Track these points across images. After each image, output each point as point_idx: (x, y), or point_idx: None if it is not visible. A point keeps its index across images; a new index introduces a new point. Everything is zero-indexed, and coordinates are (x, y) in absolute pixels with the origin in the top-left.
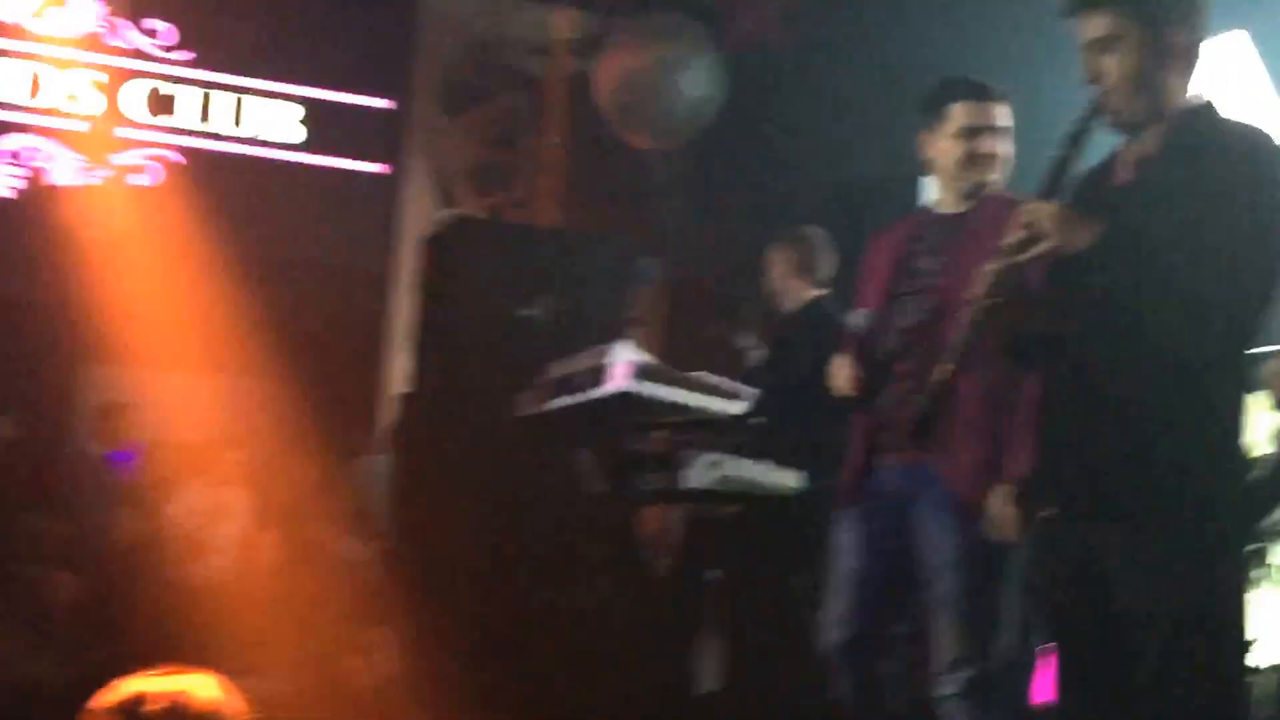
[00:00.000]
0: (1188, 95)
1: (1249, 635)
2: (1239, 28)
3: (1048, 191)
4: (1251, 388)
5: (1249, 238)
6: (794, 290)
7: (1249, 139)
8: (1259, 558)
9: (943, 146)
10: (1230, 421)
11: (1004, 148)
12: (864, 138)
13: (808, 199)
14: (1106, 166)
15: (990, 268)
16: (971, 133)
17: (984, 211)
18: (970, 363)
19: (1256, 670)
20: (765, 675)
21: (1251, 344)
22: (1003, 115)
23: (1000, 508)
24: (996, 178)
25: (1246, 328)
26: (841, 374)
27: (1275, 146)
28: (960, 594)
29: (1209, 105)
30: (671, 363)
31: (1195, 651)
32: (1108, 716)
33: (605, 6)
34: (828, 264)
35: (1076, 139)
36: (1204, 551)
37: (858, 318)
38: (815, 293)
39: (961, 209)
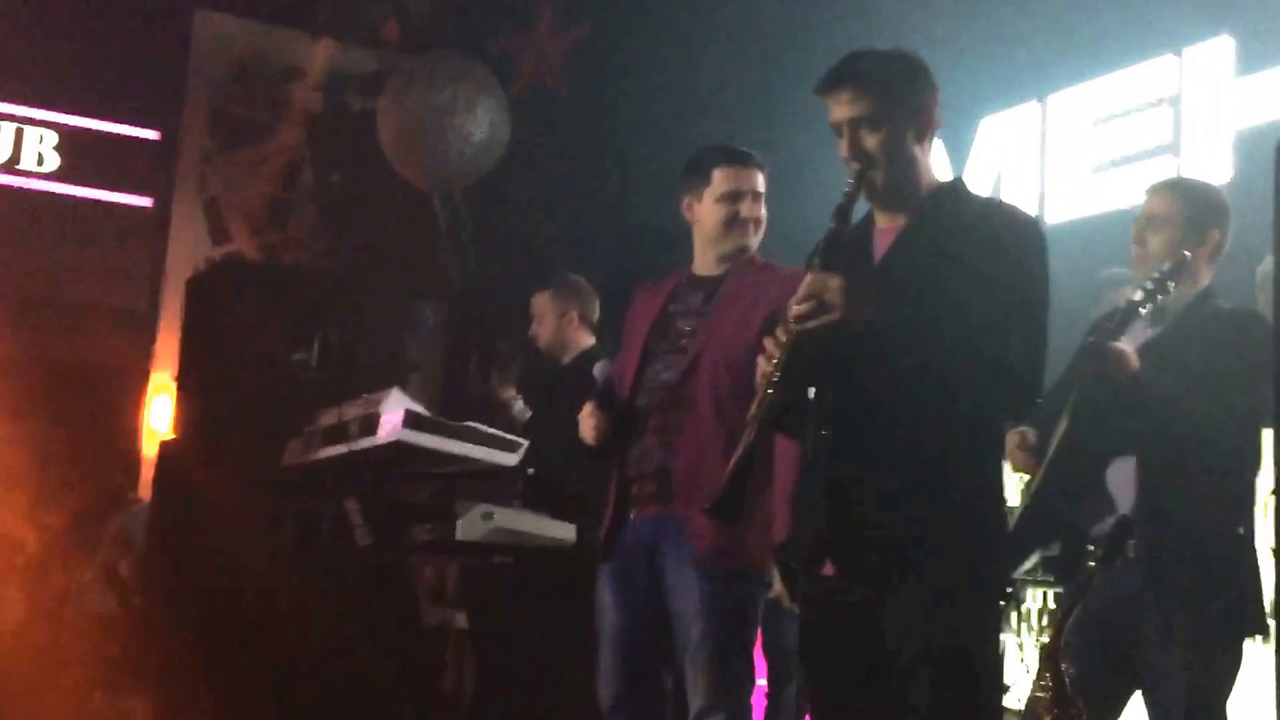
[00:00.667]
0: (934, 175)
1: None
2: (1225, 32)
3: (825, 263)
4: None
5: (992, 309)
6: (572, 340)
7: (996, 214)
8: (1014, 602)
9: (705, 209)
10: (991, 480)
11: (762, 212)
12: (647, 183)
13: (586, 244)
14: (862, 236)
15: (779, 337)
16: (733, 197)
17: (736, 275)
18: (710, 421)
19: (1007, 711)
20: None
21: (1011, 407)
22: (761, 181)
23: (770, 573)
24: (755, 241)
25: (1018, 400)
26: (587, 423)
27: (1029, 223)
28: (703, 642)
29: (958, 181)
30: (448, 411)
31: (960, 695)
32: None
33: (390, 45)
34: (596, 311)
35: (845, 211)
36: (967, 598)
37: (600, 369)
38: (590, 342)
39: (717, 271)
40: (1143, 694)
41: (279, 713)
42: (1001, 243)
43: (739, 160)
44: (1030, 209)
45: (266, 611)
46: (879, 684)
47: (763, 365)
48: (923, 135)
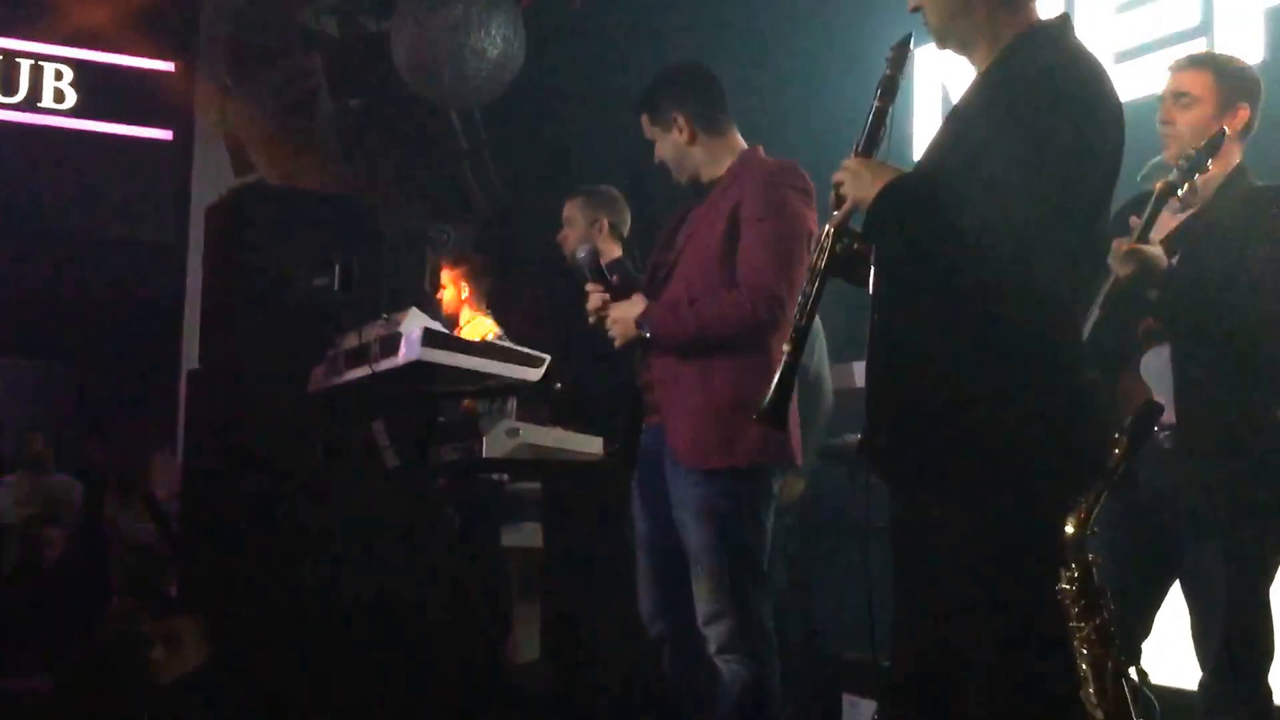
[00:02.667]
0: (1025, 16)
1: None
2: None
3: (866, 143)
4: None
5: (1032, 161)
6: (600, 248)
7: (1055, 61)
8: None
9: None
10: (1046, 368)
11: (660, 152)
12: None
13: (608, 157)
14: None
15: (824, 234)
16: None
17: (726, 175)
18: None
19: None
20: (582, 645)
21: (1050, 284)
22: (645, 127)
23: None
24: (675, 179)
25: (1023, 268)
26: (592, 299)
27: (1085, 76)
28: (701, 548)
29: (1049, 25)
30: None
31: (1023, 619)
32: (932, 673)
33: None
34: (627, 222)
35: (889, 88)
36: (1026, 523)
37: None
38: (617, 252)
39: (714, 174)
40: (1182, 588)
41: (320, 631)
42: (1045, 94)
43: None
44: None
45: (301, 536)
46: (930, 598)
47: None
48: None
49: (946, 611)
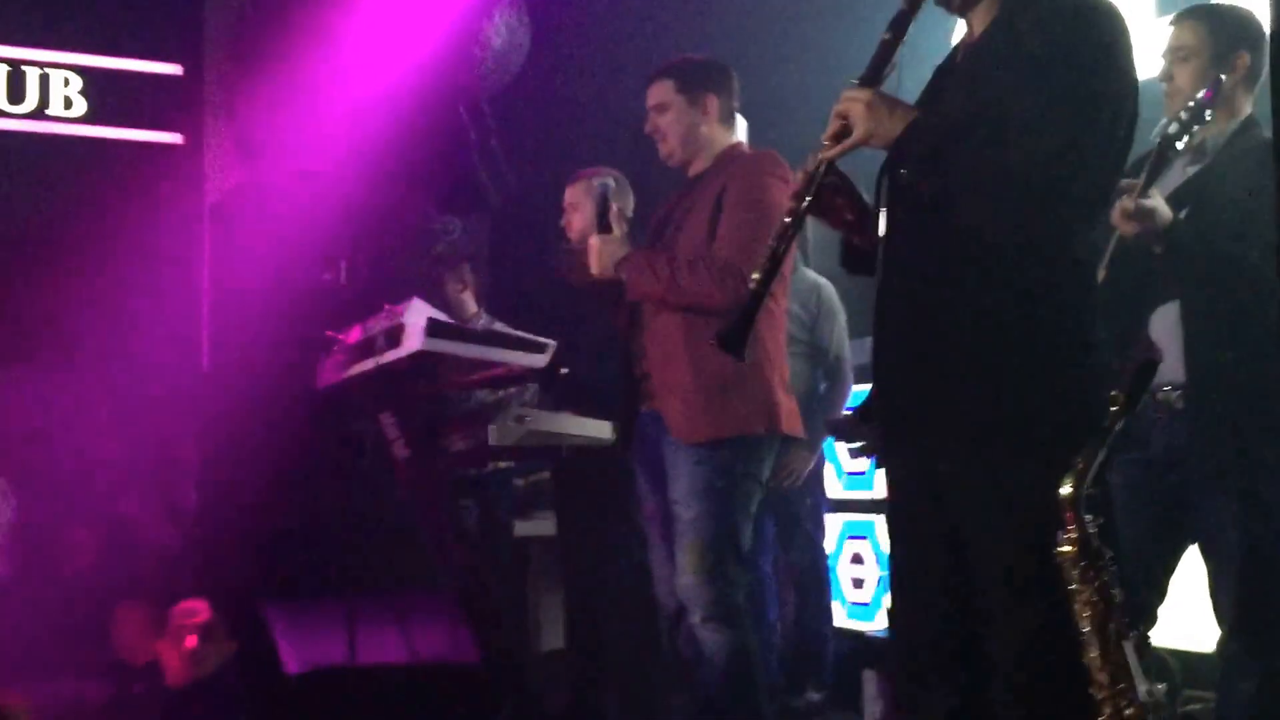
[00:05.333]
0: None
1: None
2: None
3: (870, 77)
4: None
5: (1058, 105)
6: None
7: (1074, 9)
8: None
9: None
10: (1065, 323)
11: (660, 122)
12: None
13: (613, 145)
14: (952, 55)
15: (807, 165)
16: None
17: (713, 168)
18: (673, 317)
19: None
20: (606, 630)
21: (1076, 228)
22: (655, 93)
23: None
24: (664, 151)
25: (1055, 212)
26: (591, 252)
27: (1105, 17)
28: (691, 523)
29: None
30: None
31: (1041, 585)
32: (946, 638)
33: None
34: (631, 207)
35: (901, 22)
36: (1041, 468)
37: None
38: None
39: (700, 169)
40: (1199, 548)
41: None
42: (1056, 43)
43: (650, 77)
44: None
45: (319, 531)
46: (944, 562)
47: (786, 199)
48: None
49: (955, 565)
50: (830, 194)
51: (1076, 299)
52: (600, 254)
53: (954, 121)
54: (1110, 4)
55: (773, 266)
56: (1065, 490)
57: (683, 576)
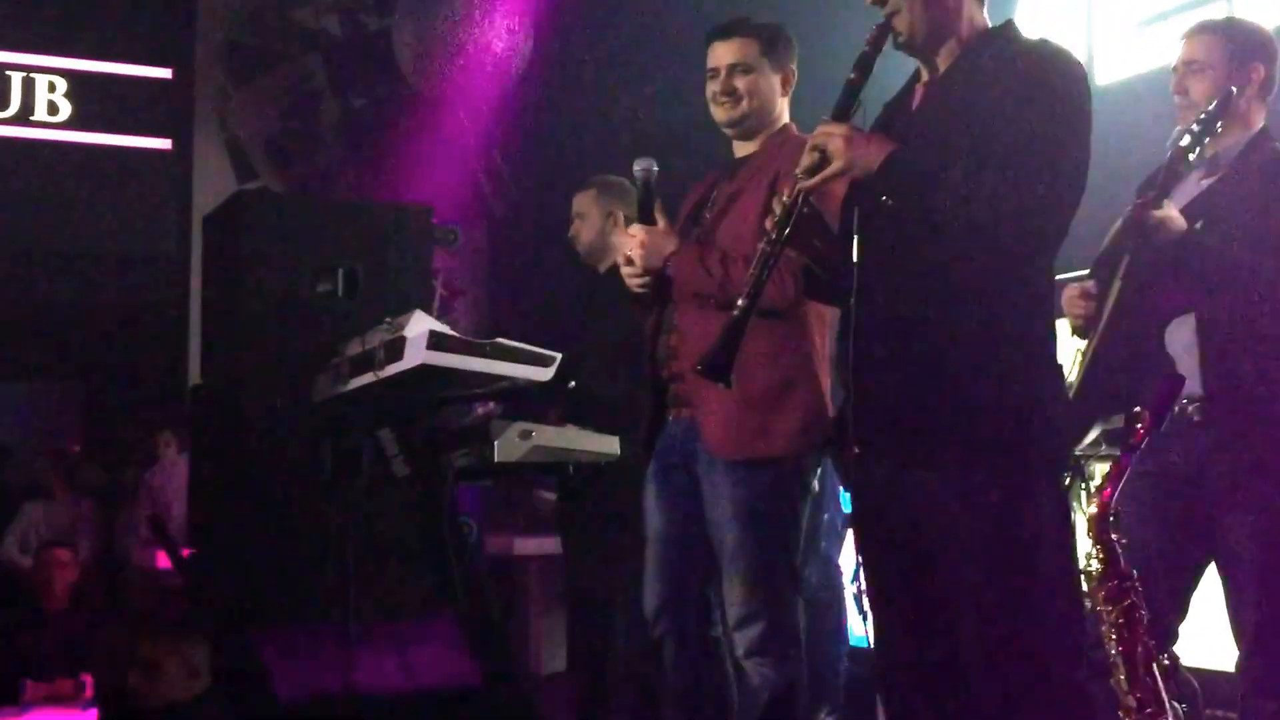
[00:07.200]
0: (984, 18)
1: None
2: None
3: (840, 113)
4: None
5: (1031, 151)
6: (615, 243)
7: (1039, 54)
8: (1079, 480)
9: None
10: (1034, 345)
11: (734, 84)
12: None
13: (625, 146)
14: (906, 92)
15: (783, 196)
16: (710, 76)
17: (759, 154)
18: (714, 316)
19: None
20: (608, 651)
21: (1044, 259)
22: (724, 53)
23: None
24: (729, 115)
25: (1031, 243)
26: (631, 243)
27: (1069, 61)
28: (738, 549)
29: (1008, 24)
30: (496, 329)
31: (1018, 592)
32: (927, 658)
33: None
34: (632, 212)
35: (866, 61)
36: (1014, 486)
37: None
38: None
39: (747, 151)
40: (1217, 564)
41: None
42: (1029, 83)
43: (709, 38)
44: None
45: (314, 549)
46: (921, 583)
47: (766, 224)
48: None
49: (928, 583)
50: (806, 223)
51: (1040, 320)
52: (646, 247)
53: (929, 157)
54: (1068, 50)
55: (756, 293)
56: (1091, 510)
57: (732, 608)
